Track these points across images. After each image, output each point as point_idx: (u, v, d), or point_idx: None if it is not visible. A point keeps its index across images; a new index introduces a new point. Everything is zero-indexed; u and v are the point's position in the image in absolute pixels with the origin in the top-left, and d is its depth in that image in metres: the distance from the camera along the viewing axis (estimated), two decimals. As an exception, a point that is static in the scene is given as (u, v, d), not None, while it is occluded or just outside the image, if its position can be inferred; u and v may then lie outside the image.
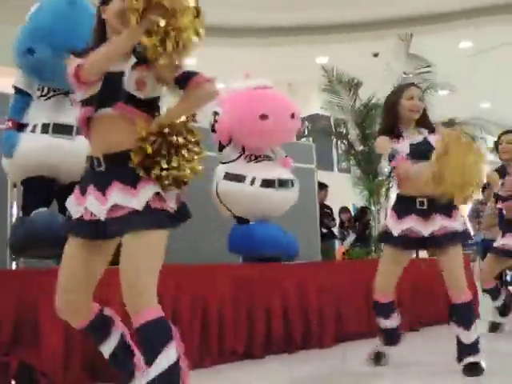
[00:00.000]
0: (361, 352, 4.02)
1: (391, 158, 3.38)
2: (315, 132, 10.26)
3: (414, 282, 5.45)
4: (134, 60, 2.29)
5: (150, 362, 2.13)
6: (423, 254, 8.63)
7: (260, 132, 4.50)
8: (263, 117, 4.48)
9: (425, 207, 3.40)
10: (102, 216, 2.21)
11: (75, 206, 2.32)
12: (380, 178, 8.91)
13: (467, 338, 3.39)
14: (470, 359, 3.37)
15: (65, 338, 3.11)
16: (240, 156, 4.66)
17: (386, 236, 3.56)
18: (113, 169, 2.24)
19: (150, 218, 2.23)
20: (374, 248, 8.17)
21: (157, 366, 2.13)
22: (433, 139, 3.38)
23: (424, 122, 3.55)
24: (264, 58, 11.96)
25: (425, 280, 5.57)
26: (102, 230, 2.22)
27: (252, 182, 4.52)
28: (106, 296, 2.73)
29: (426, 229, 3.40)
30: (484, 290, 5.21)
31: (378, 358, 3.70)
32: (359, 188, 8.99)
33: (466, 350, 3.40)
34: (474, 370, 3.35)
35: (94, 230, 2.24)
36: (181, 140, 2.24)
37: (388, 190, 8.73)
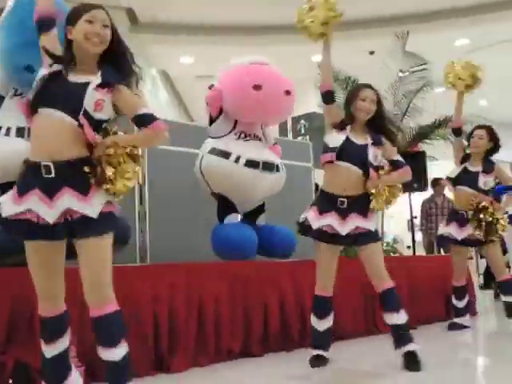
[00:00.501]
0: (358, 350, 4.03)
1: (324, 151, 3.59)
2: (312, 130, 10.26)
3: (412, 281, 5.45)
4: (99, 80, 2.44)
5: (111, 346, 2.41)
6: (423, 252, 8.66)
7: (253, 103, 4.45)
8: (256, 87, 4.44)
9: (345, 206, 3.53)
10: (52, 219, 2.34)
11: (13, 205, 2.40)
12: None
13: (401, 318, 3.56)
14: (409, 347, 3.50)
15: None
16: (230, 132, 4.61)
17: (305, 229, 3.62)
18: (63, 176, 2.37)
19: (103, 223, 2.41)
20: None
21: (117, 352, 2.42)
22: (372, 151, 3.55)
23: (377, 127, 3.66)
24: (260, 55, 11.92)
25: (422, 278, 5.58)
26: (52, 232, 2.37)
27: (236, 160, 4.45)
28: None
29: (342, 228, 3.52)
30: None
31: (316, 360, 3.65)
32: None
33: (404, 337, 3.54)
34: (413, 361, 3.46)
35: (46, 233, 2.38)
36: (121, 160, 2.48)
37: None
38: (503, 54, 12.38)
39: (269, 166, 4.55)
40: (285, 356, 4.12)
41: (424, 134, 8.86)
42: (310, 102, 11.17)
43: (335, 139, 3.55)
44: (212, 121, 4.67)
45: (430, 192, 9.18)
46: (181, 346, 3.63)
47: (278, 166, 4.63)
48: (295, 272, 4.45)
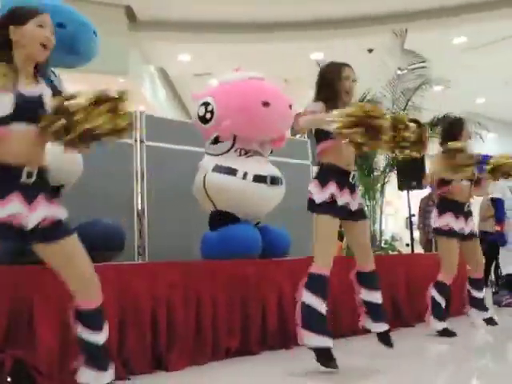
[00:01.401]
0: (357, 348, 4.03)
1: (323, 137, 3.53)
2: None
3: (410, 278, 5.45)
4: (49, 90, 2.55)
5: (96, 330, 2.65)
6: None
7: (262, 120, 4.45)
8: (266, 104, 4.43)
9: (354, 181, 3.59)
10: (31, 225, 2.46)
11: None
12: (375, 174, 8.92)
13: (381, 299, 3.79)
14: (386, 327, 3.74)
15: (60, 334, 3.10)
16: (230, 149, 4.59)
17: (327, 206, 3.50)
18: (39, 182, 2.51)
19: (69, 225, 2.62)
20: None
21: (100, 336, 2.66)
22: None
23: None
24: (259, 53, 11.95)
25: (421, 276, 5.58)
26: (31, 236, 2.50)
27: (244, 176, 4.44)
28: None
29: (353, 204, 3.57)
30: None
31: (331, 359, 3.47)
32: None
33: (384, 314, 3.81)
34: (388, 339, 3.73)
35: (20, 236, 2.49)
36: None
37: (383, 185, 8.75)
38: (501, 51, 12.39)
39: (275, 180, 4.58)
40: (283, 354, 4.12)
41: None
42: (307, 100, 11.19)
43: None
44: (216, 140, 4.63)
45: (428, 190, 9.18)
46: (178, 344, 3.62)
47: (281, 179, 4.66)
48: (293, 270, 4.44)
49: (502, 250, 7.14)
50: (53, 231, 2.53)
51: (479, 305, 5.12)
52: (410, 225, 8.57)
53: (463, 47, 12.33)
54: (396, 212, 16.16)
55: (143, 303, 3.50)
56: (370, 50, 12.14)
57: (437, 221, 4.84)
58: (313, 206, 3.54)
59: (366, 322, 3.81)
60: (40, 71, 2.59)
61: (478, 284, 5.13)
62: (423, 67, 8.97)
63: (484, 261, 5.39)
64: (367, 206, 8.66)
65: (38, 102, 2.48)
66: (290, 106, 4.58)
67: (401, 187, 7.73)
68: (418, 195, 9.09)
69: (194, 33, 11.67)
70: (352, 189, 3.58)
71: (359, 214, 3.66)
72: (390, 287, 5.16)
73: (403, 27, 9.61)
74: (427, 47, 9.54)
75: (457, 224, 4.80)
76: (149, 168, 5.21)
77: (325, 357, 3.39)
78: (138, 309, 3.44)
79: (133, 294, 3.43)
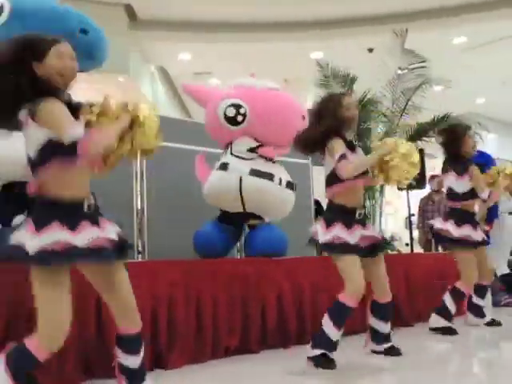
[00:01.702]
0: (356, 347, 4.03)
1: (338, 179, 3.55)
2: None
3: (410, 278, 5.46)
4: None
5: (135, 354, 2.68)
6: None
7: (295, 132, 4.48)
8: (304, 118, 4.53)
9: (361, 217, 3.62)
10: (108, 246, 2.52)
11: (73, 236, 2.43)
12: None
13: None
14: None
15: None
16: (256, 155, 4.63)
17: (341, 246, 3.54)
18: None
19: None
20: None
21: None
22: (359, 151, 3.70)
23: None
24: (258, 53, 11.95)
25: (420, 276, 5.59)
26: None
27: (280, 182, 4.56)
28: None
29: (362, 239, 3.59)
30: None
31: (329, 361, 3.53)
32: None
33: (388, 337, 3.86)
34: (395, 350, 3.82)
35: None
36: None
37: (383, 185, 8.74)
38: (501, 51, 12.39)
39: (294, 186, 4.73)
40: (282, 353, 4.13)
41: (422, 131, 8.87)
42: (308, 99, 11.19)
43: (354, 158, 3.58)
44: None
45: (428, 189, 9.18)
46: (179, 342, 3.63)
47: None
48: (293, 269, 4.45)
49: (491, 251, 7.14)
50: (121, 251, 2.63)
51: (478, 311, 5.14)
52: (410, 224, 8.58)
53: (463, 47, 12.34)
54: (395, 212, 16.17)
55: (143, 302, 3.49)
56: (370, 50, 12.14)
57: (455, 231, 4.80)
58: (327, 247, 3.58)
59: (371, 345, 3.89)
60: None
61: (482, 291, 5.14)
62: (423, 67, 8.97)
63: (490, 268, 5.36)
64: (367, 205, 8.67)
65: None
66: (304, 117, 4.61)
67: (400, 187, 7.73)
68: (417, 195, 9.10)
69: (194, 32, 11.67)
70: (362, 224, 3.62)
71: (376, 248, 3.69)
72: (390, 287, 5.15)
73: (403, 27, 9.60)
74: (427, 47, 9.53)
75: (475, 235, 4.84)
76: (148, 167, 5.21)
77: (324, 360, 3.48)
78: (138, 307, 3.44)
79: (133, 293, 3.43)
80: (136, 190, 5.19)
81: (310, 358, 3.49)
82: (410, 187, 7.48)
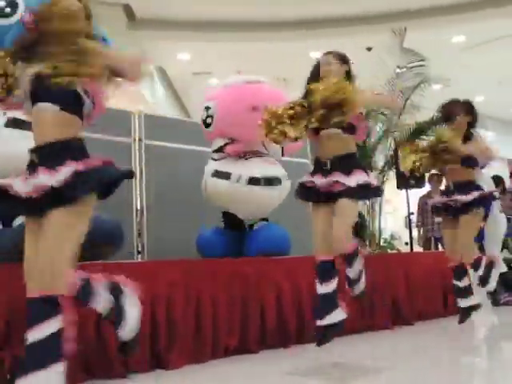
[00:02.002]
0: (356, 346, 4.03)
1: None
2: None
3: (409, 277, 5.45)
4: None
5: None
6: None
7: (251, 124, 4.47)
8: (255, 109, 4.45)
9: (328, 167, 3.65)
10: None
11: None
12: (374, 172, 8.91)
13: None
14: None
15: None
16: (225, 154, 4.66)
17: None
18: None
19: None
20: (368, 242, 8.19)
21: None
22: None
23: None
24: (258, 52, 11.94)
25: (420, 274, 5.58)
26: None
27: (238, 180, 4.53)
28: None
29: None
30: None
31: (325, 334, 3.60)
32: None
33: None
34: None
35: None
36: None
37: (383, 183, 8.74)
38: (499, 50, 12.39)
39: (270, 181, 4.62)
40: (282, 352, 4.13)
41: (421, 130, 8.86)
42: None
43: None
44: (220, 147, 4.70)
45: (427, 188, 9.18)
46: (178, 342, 3.63)
47: (280, 179, 4.69)
48: (292, 269, 4.45)
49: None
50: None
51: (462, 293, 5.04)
52: (409, 223, 8.58)
53: (462, 46, 12.33)
54: (395, 210, 16.15)
55: (143, 302, 3.49)
56: (369, 49, 12.13)
57: None
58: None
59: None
60: None
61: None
62: (422, 66, 8.97)
63: None
64: (365, 204, 8.66)
65: None
66: (254, 108, 4.59)
67: (400, 186, 7.73)
68: (416, 194, 9.09)
69: (193, 31, 11.66)
70: (325, 174, 3.65)
71: (339, 193, 3.61)
72: (390, 286, 5.16)
73: (402, 26, 9.61)
74: (426, 46, 9.55)
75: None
76: (148, 167, 5.21)
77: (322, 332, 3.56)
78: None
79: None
80: (135, 190, 5.19)
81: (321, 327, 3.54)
82: (409, 186, 7.50)
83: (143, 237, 5.12)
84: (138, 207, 5.18)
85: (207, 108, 4.72)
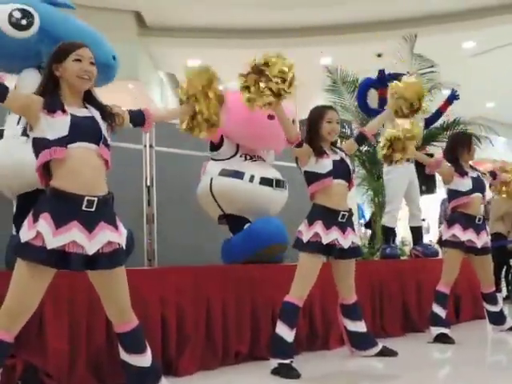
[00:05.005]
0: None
1: (313, 179, 3.71)
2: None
3: (420, 283, 5.43)
4: (98, 113, 2.72)
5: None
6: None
7: (268, 132, 4.46)
8: (271, 117, 4.44)
9: (344, 220, 3.72)
10: (91, 251, 2.54)
11: (53, 236, 2.49)
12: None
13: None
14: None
15: (69, 338, 3.12)
16: (235, 154, 4.62)
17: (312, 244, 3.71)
18: (101, 210, 2.63)
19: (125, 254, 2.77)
20: (379, 249, 8.14)
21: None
22: (348, 160, 3.83)
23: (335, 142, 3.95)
24: (268, 59, 11.95)
25: (430, 281, 5.55)
26: (89, 262, 2.57)
27: (251, 179, 4.48)
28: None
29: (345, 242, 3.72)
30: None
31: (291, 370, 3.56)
32: (364, 188, 8.97)
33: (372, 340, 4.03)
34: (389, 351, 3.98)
35: (79, 262, 2.55)
36: None
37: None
38: (509, 56, 12.36)
39: (280, 183, 4.63)
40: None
41: (432, 136, 8.84)
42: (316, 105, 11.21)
43: (323, 165, 3.68)
44: (213, 146, 4.65)
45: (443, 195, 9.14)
46: (188, 349, 3.63)
47: (285, 182, 4.71)
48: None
49: None
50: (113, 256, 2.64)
51: (497, 319, 5.03)
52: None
53: (472, 52, 12.31)
54: (406, 217, 16.07)
55: (153, 308, 3.51)
56: (380, 55, 12.13)
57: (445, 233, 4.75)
58: (300, 244, 3.73)
59: (355, 351, 4.00)
60: (88, 98, 2.76)
61: (492, 298, 5.03)
62: (432, 71, 8.94)
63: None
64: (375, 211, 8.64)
65: (92, 122, 2.67)
66: (293, 120, 4.59)
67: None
68: (427, 200, 9.06)
69: (203, 38, 11.72)
70: (342, 227, 3.69)
71: (351, 253, 3.80)
72: (400, 292, 5.14)
73: (412, 32, 9.59)
74: (436, 52, 9.51)
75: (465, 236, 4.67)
76: (158, 173, 5.22)
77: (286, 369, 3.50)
78: (147, 314, 3.44)
79: (143, 299, 3.44)
80: (146, 197, 5.20)
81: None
82: (420, 192, 7.47)
83: (153, 243, 5.12)
84: (149, 213, 5.19)
85: None
